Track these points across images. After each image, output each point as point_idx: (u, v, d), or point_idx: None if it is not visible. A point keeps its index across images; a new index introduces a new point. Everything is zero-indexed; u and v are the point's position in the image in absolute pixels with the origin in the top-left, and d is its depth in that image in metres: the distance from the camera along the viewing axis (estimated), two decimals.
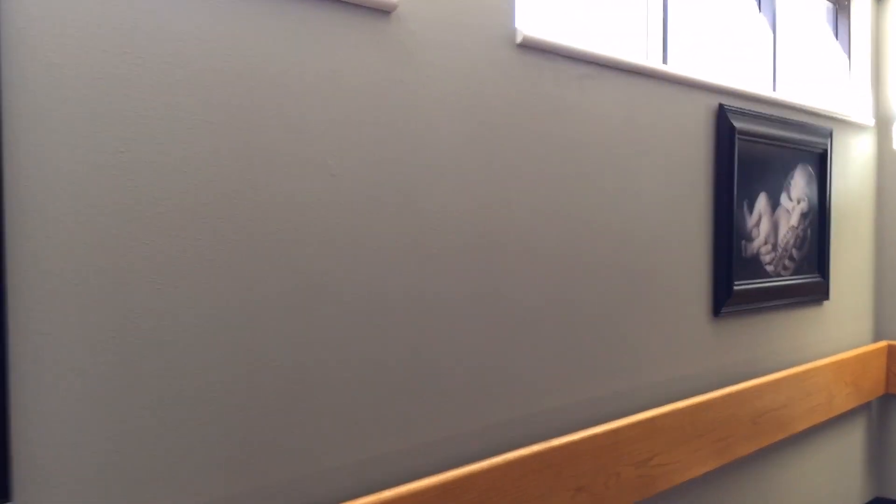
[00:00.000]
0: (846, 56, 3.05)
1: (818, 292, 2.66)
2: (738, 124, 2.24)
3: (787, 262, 2.50)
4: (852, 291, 2.91)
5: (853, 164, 2.90)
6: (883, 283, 3.05)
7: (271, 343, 1.26)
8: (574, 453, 1.70)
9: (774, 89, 2.68)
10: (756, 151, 2.34)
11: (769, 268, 2.42)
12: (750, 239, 2.33)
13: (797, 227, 2.55)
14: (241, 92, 1.22)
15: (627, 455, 1.84)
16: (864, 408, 2.99)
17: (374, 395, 1.40)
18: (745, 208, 2.31)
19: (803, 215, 2.58)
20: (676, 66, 2.07)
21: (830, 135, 2.70)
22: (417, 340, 1.47)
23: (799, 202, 2.56)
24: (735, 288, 2.25)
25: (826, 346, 2.75)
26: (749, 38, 2.59)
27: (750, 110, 2.31)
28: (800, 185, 2.56)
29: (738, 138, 2.25)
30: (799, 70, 2.83)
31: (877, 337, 3.07)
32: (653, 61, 1.98)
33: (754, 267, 2.35)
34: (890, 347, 3.00)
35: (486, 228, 1.59)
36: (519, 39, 1.64)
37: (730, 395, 2.17)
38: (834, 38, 3.04)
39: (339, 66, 1.34)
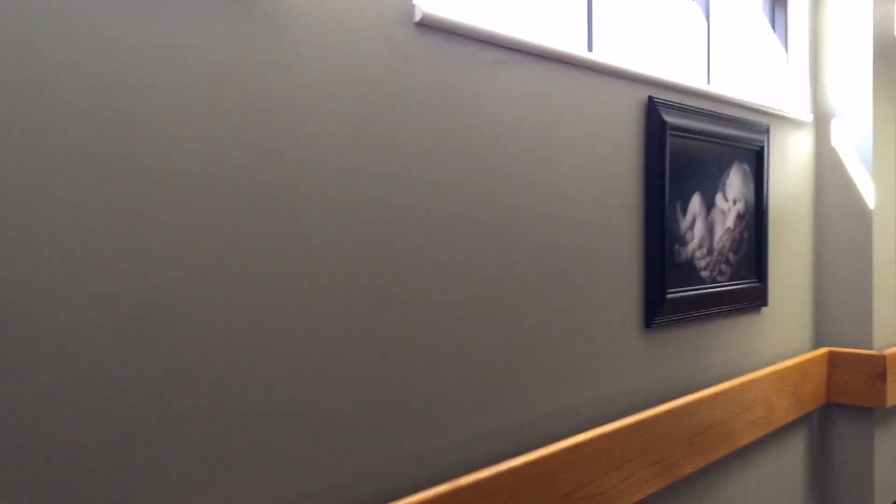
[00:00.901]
0: (783, 49, 2.92)
1: (756, 298, 2.50)
2: (669, 119, 2.06)
3: (723, 266, 2.34)
4: (791, 296, 2.77)
5: (791, 162, 2.76)
6: (822, 287, 2.92)
7: (105, 361, 1.01)
8: (484, 492, 1.48)
9: (709, 82, 2.52)
10: (689, 148, 2.17)
11: (704, 273, 2.25)
12: (684, 243, 2.15)
13: (734, 230, 2.39)
14: (66, 71, 0.97)
15: (550, 489, 1.63)
16: (806, 419, 2.85)
17: (233, 432, 1.16)
18: (679, 210, 2.13)
19: (740, 217, 2.42)
20: (602, 55, 1.88)
21: (768, 131, 2.55)
22: (281, 372, 1.23)
23: (735, 203, 2.40)
24: (668, 296, 2.07)
25: (765, 355, 2.60)
26: (681, 28, 2.42)
27: (682, 104, 2.14)
28: (736, 184, 2.40)
29: (670, 134, 2.07)
30: (734, 63, 2.67)
31: (817, 344, 2.94)
32: (576, 48, 1.78)
33: (689, 273, 2.18)
34: (830, 354, 2.87)
35: (376, 235, 1.36)
36: (417, 17, 1.42)
37: (664, 414, 1.99)
38: (771, 29, 2.90)
39: (184, 41, 1.10)
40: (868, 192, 2.83)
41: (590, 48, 2.00)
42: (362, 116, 1.34)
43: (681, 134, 2.12)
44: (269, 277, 1.20)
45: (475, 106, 1.54)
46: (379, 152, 1.36)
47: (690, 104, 2.18)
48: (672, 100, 2.10)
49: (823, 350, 2.85)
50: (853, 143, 2.86)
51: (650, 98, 2.02)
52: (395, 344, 1.39)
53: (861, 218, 2.84)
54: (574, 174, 1.80)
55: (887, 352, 2.80)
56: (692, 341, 2.22)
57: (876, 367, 2.77)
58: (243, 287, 1.17)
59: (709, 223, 2.27)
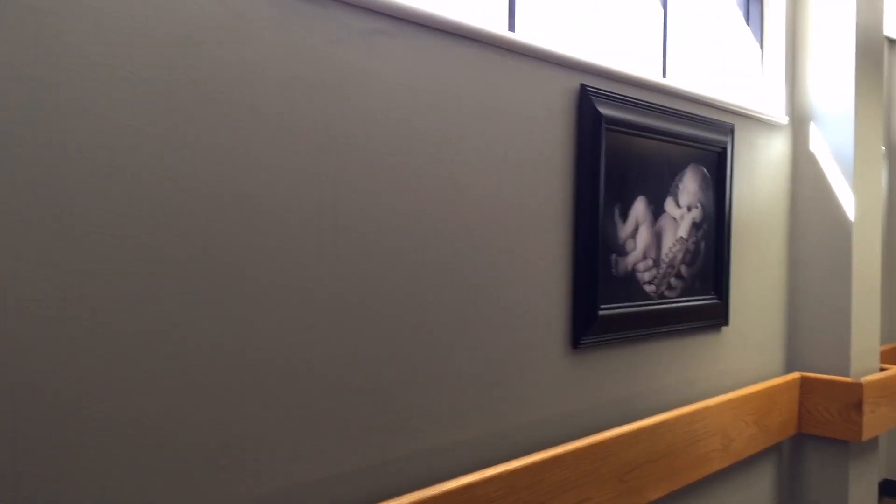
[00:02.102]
0: (758, 44, 2.67)
1: (714, 316, 2.25)
2: (604, 111, 1.81)
3: (672, 280, 2.08)
4: (759, 315, 2.51)
5: (761, 166, 2.50)
6: (796, 306, 2.66)
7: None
8: None
9: (664, 75, 2.27)
10: (632, 146, 1.92)
11: (649, 287, 1.99)
12: (623, 253, 1.90)
13: (687, 240, 2.14)
14: None
15: None
16: (773, 451, 2.59)
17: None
18: (617, 215, 1.88)
19: (695, 225, 2.17)
20: (524, 35, 1.64)
21: (732, 131, 2.30)
22: (78, 391, 1.00)
23: (690, 209, 2.14)
24: (601, 313, 1.82)
25: (726, 379, 2.34)
26: (633, 15, 2.18)
27: (623, 95, 1.89)
28: (691, 189, 2.14)
29: (606, 128, 1.82)
30: (698, 56, 2.42)
31: (788, 368, 2.67)
32: (492, 26, 1.54)
33: (629, 287, 1.92)
34: (803, 380, 2.60)
35: (219, 241, 1.12)
36: None
37: (588, 448, 1.74)
38: (745, 23, 2.65)
39: None
40: (848, 201, 2.57)
41: (511, 27, 1.76)
42: (195, 93, 1.10)
43: (620, 129, 1.87)
44: (34, 283, 0.96)
45: (349, 86, 1.30)
46: (216, 137, 1.12)
47: (634, 96, 1.93)
48: (609, 90, 1.86)
49: (795, 375, 2.59)
50: (833, 148, 2.60)
51: (582, 86, 1.78)
52: (249, 371, 1.15)
53: (840, 230, 2.58)
54: (486, 172, 1.55)
55: (864, 380, 2.53)
56: (631, 364, 1.96)
57: (852, 397, 2.51)
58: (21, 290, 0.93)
59: (656, 231, 2.01)
